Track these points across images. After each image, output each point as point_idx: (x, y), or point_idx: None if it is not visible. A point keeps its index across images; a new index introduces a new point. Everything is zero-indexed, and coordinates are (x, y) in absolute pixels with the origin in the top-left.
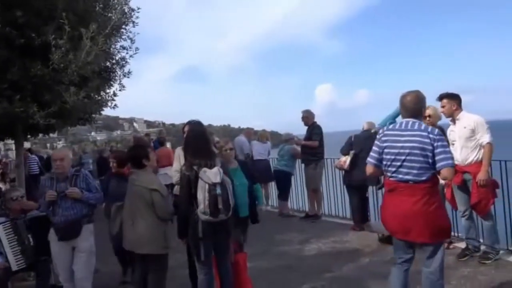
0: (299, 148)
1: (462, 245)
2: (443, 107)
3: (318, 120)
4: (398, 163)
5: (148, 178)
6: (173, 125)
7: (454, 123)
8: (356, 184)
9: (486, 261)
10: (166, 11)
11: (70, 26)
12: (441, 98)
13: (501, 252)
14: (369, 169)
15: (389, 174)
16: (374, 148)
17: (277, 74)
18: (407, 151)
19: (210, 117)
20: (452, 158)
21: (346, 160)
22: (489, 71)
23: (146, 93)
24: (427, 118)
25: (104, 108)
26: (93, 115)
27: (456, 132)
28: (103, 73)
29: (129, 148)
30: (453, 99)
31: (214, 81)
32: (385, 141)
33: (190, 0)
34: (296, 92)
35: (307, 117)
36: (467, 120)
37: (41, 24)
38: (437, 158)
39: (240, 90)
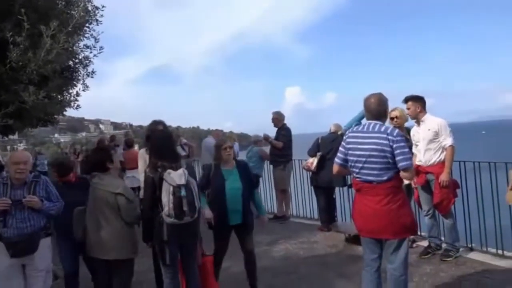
0: (267, 150)
1: (425, 243)
2: (408, 109)
3: (287, 121)
4: (360, 165)
5: (112, 181)
6: (141, 126)
7: (419, 125)
8: (323, 185)
9: (447, 259)
10: (135, 11)
11: (30, 23)
12: (406, 100)
13: (461, 249)
14: (335, 168)
15: (354, 175)
16: (340, 149)
17: (247, 76)
18: (367, 153)
19: (179, 119)
20: (411, 159)
21: (313, 161)
22: (449, 76)
23: (114, 94)
24: (395, 120)
25: (67, 109)
26: (55, 116)
27: (420, 134)
28: (65, 73)
29: (91, 152)
30: (417, 102)
31: (184, 83)
32: (349, 142)
33: (159, 1)
34: (266, 94)
35: (277, 119)
36: (431, 122)
37: None
38: (396, 159)
39: (210, 91)
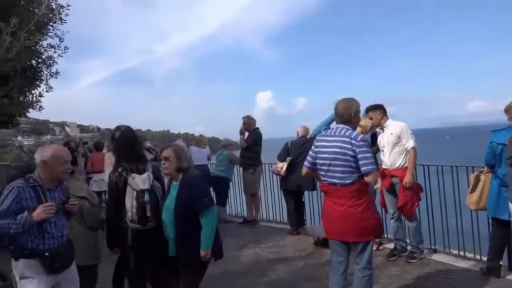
0: (237, 154)
1: (391, 246)
2: (371, 119)
3: (259, 126)
4: (326, 167)
5: (75, 185)
6: (108, 129)
7: (383, 130)
8: (292, 189)
9: (412, 260)
10: (104, 11)
11: None
12: (367, 111)
13: (425, 251)
14: (303, 170)
15: (321, 177)
16: (310, 152)
17: (218, 79)
18: (331, 156)
19: (149, 122)
20: (373, 164)
21: (283, 166)
22: (417, 82)
23: (81, 95)
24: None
25: (30, 110)
26: (17, 118)
27: (385, 139)
28: (28, 72)
29: None
30: (376, 110)
31: (154, 85)
32: (318, 146)
33: (128, 1)
34: (237, 97)
35: (248, 123)
36: (393, 127)
37: None
38: (359, 163)
39: (181, 94)
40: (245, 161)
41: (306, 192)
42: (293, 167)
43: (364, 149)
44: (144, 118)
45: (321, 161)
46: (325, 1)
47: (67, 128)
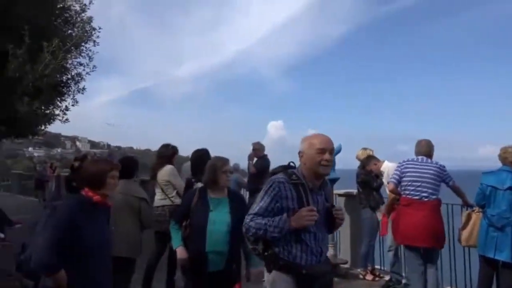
0: (245, 179)
1: (388, 277)
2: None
3: (269, 155)
4: (418, 184)
5: (137, 188)
6: (118, 147)
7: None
8: None
9: None
10: (121, 31)
11: (30, 38)
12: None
13: None
14: (390, 186)
15: (407, 192)
16: (395, 172)
17: (231, 106)
18: (426, 175)
19: (159, 143)
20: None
21: None
22: (431, 124)
23: (93, 112)
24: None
25: (53, 122)
26: (40, 128)
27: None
28: (58, 87)
29: (123, 158)
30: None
31: (165, 108)
32: (406, 167)
33: (146, 22)
34: (248, 125)
35: (258, 149)
36: (387, 166)
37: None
38: (446, 180)
39: (192, 119)
40: (253, 186)
41: None
42: None
43: (447, 173)
44: (155, 139)
45: (412, 179)
46: (344, 36)
47: (78, 143)
